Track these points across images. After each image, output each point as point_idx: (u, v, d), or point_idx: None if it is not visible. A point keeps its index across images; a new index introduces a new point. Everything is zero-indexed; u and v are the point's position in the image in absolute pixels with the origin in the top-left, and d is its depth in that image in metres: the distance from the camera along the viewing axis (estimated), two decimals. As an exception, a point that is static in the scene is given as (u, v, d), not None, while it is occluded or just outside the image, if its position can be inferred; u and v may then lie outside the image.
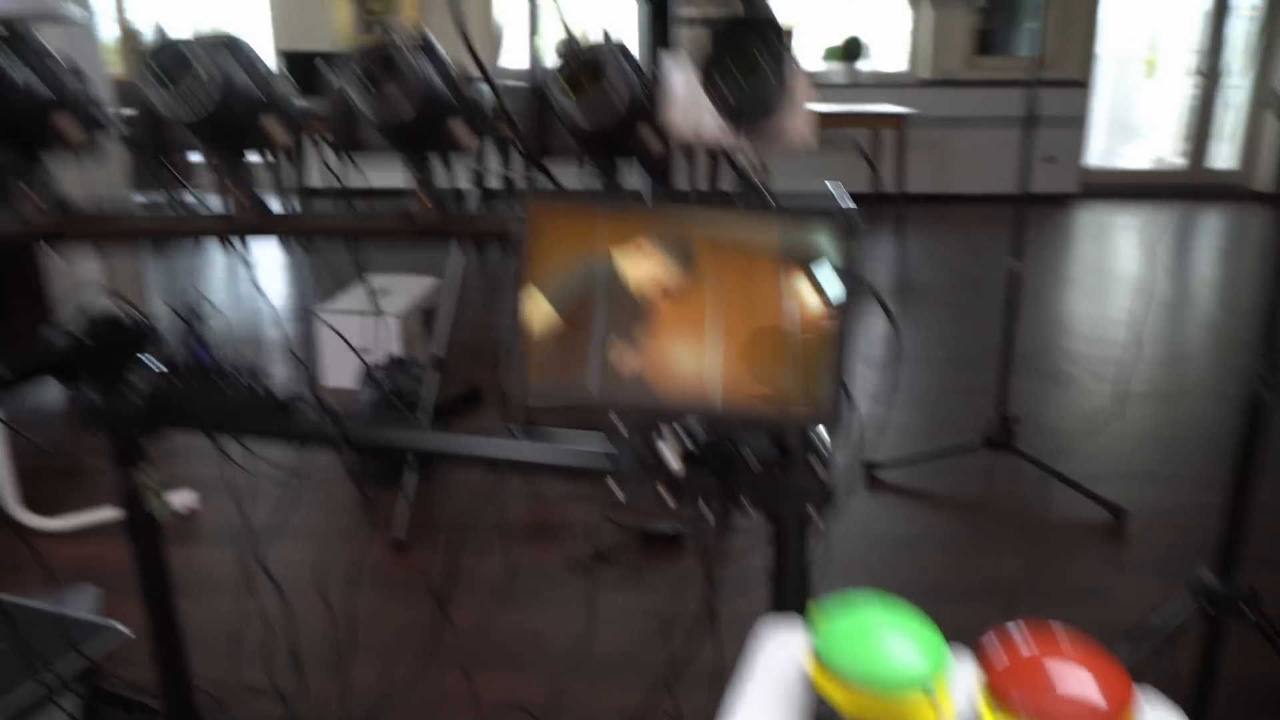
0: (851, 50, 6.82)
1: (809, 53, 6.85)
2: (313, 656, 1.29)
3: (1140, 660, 1.53)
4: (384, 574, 2.00)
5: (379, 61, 0.71)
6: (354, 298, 3.05)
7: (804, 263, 0.74)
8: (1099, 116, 7.14)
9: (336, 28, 6.70)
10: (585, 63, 0.71)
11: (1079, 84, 6.72)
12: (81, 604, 1.32)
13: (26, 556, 1.98)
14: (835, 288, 0.74)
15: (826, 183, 0.84)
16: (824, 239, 0.74)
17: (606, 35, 0.75)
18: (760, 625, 0.65)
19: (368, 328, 2.84)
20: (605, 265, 0.76)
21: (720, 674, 0.90)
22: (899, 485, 2.54)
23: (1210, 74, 7.14)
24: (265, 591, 1.23)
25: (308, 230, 0.81)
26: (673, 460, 0.82)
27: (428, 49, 0.77)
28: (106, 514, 2.15)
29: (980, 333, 3.85)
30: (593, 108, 0.71)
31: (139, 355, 1.08)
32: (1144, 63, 7.74)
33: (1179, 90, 7.43)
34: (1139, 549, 2.26)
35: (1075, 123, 6.76)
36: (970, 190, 6.89)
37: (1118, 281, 4.83)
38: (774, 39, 0.68)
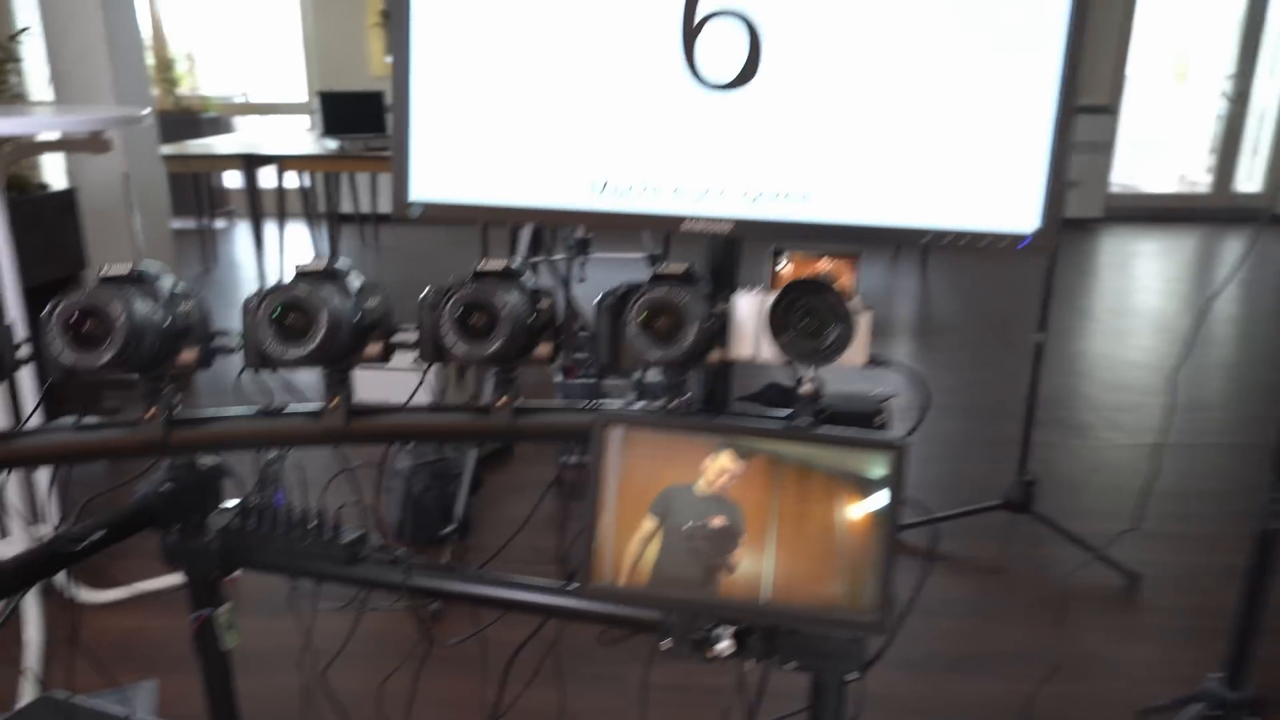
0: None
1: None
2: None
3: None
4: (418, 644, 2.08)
5: (473, 306, 0.78)
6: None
7: (855, 481, 0.82)
8: (1124, 133, 7.13)
9: (373, 67, 6.79)
10: (665, 307, 0.79)
11: (1107, 110, 6.72)
12: (144, 701, 1.41)
13: (78, 631, 2.07)
14: (884, 505, 0.81)
15: (875, 392, 0.91)
16: (875, 463, 0.81)
17: (689, 273, 0.82)
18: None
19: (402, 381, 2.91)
20: (670, 475, 0.83)
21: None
22: (920, 547, 2.60)
23: (1238, 99, 7.12)
24: (313, 673, 1.32)
25: (391, 433, 0.89)
26: (726, 645, 0.90)
27: (512, 275, 0.84)
28: (153, 583, 2.24)
29: (1003, 378, 3.89)
30: (667, 348, 0.79)
31: (216, 499, 1.16)
32: (1173, 74, 7.71)
33: (1207, 105, 7.41)
34: (1152, 617, 2.32)
35: (1101, 148, 6.77)
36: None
37: (1138, 318, 4.85)
38: (837, 300, 0.76)
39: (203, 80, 7.21)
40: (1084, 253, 6.27)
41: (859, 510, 0.83)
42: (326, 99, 4.83)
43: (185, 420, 0.85)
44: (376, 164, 4.61)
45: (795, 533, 0.84)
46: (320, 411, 0.86)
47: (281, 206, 5.03)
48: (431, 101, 0.81)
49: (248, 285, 5.34)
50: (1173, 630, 2.24)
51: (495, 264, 0.83)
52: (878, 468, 0.82)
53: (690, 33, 0.77)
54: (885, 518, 0.82)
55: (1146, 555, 2.49)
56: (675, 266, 0.84)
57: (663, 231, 0.80)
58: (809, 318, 0.77)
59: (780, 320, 0.77)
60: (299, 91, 7.07)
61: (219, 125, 6.56)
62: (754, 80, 0.76)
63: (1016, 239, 0.78)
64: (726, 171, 0.79)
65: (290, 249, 5.32)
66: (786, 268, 0.85)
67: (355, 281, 0.85)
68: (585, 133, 0.80)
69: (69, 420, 0.86)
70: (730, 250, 0.89)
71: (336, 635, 1.37)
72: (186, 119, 6.31)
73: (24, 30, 3.26)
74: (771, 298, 0.80)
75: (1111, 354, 4.25)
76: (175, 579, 2.19)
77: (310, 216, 5.76)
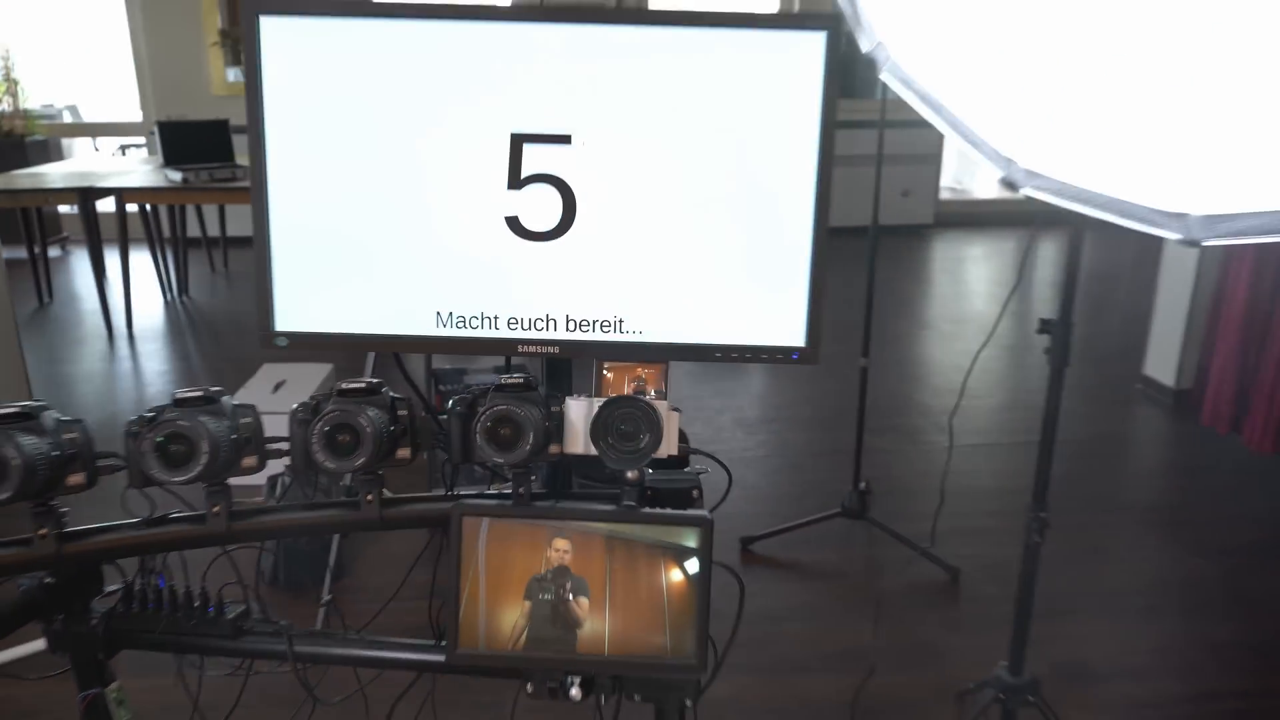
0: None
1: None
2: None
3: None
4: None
5: (339, 428, 0.91)
6: (254, 389, 3.14)
7: (674, 551, 0.99)
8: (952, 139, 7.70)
9: (214, 86, 6.61)
10: (507, 420, 0.94)
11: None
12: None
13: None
14: (697, 568, 0.99)
15: (694, 467, 1.09)
16: (688, 535, 0.99)
17: (528, 382, 0.97)
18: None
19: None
20: (526, 554, 0.99)
21: None
22: (768, 557, 2.84)
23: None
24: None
25: (271, 531, 1.00)
26: (576, 693, 1.06)
27: (373, 391, 0.97)
28: (24, 649, 2.21)
29: (846, 388, 4.20)
30: (509, 453, 0.94)
31: (98, 585, 1.23)
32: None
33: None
34: (969, 607, 2.63)
35: (931, 159, 7.31)
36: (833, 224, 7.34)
37: (966, 323, 5.30)
38: (650, 411, 0.93)
39: (26, 97, 6.81)
40: (919, 259, 6.77)
41: (678, 574, 1.01)
42: (166, 129, 4.65)
43: (75, 534, 0.94)
44: (223, 195, 4.51)
45: (627, 596, 1.01)
46: (203, 517, 0.97)
47: (123, 233, 4.80)
48: (292, 247, 0.93)
49: (91, 320, 5.12)
50: (987, 618, 2.55)
51: (358, 383, 0.96)
52: (690, 539, 1.00)
53: (514, 190, 0.93)
54: (699, 579, 1.00)
55: (965, 550, 2.81)
56: (515, 377, 0.99)
57: (503, 354, 0.97)
58: (624, 425, 0.93)
59: (601, 429, 0.93)
60: (133, 110, 6.78)
61: (48, 148, 6.24)
62: (570, 232, 0.92)
63: (791, 351, 0.97)
64: (552, 306, 0.95)
65: (135, 279, 5.11)
66: (610, 374, 1.02)
67: (230, 403, 0.96)
68: (430, 274, 0.94)
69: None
70: (564, 359, 1.05)
71: (226, 690, 1.44)
72: (10, 142, 5.98)
73: None
74: (597, 404, 0.97)
75: (941, 359, 4.66)
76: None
77: (155, 243, 5.53)
